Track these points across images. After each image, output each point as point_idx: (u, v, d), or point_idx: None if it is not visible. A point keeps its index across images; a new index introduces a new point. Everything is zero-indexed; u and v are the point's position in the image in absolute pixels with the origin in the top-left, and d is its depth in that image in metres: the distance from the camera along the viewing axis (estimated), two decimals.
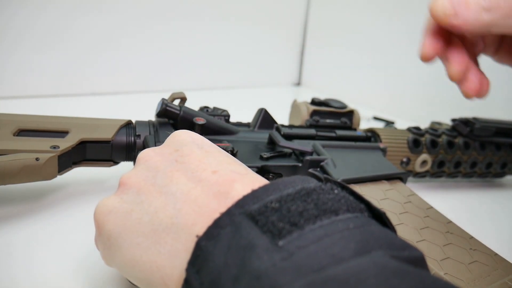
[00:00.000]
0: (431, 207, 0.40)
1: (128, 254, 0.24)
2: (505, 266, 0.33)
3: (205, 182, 0.24)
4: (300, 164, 0.43)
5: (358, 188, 0.40)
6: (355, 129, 0.53)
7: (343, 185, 0.23)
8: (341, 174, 0.41)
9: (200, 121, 0.41)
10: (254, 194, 0.21)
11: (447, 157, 0.54)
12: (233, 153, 0.41)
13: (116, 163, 0.43)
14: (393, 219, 0.36)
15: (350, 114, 0.53)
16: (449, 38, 0.33)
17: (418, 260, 0.19)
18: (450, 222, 0.38)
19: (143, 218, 0.24)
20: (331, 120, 0.52)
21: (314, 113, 0.51)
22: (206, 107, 0.47)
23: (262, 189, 0.22)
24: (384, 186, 0.42)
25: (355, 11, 0.59)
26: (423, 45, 0.33)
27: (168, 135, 0.32)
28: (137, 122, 0.43)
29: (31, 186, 0.43)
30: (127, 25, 0.79)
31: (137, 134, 0.42)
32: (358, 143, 0.49)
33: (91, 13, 0.75)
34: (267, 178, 0.42)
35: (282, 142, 0.43)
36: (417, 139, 0.53)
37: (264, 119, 0.48)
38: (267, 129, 0.48)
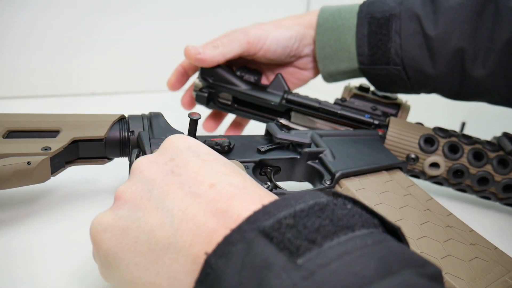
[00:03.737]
0: (431, 198, 0.40)
1: (127, 275, 0.24)
2: (506, 261, 0.33)
3: (203, 198, 0.23)
4: (298, 156, 0.42)
5: (358, 181, 0.40)
6: (364, 112, 0.52)
7: (355, 200, 0.22)
8: (340, 166, 0.41)
9: (195, 116, 0.40)
10: (265, 210, 0.21)
11: (469, 169, 0.47)
12: (229, 148, 0.40)
13: (110, 159, 0.42)
14: (394, 214, 0.36)
15: (393, 105, 0.53)
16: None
17: (438, 276, 0.19)
18: (451, 214, 0.38)
19: (140, 236, 0.23)
20: (360, 103, 0.53)
21: (354, 96, 0.54)
22: (244, 67, 0.54)
23: (273, 204, 0.21)
24: (384, 177, 0.41)
25: None
26: (171, 79, 0.56)
27: (163, 140, 0.31)
28: (130, 116, 0.42)
29: (25, 189, 0.42)
30: (126, 24, 0.78)
31: (130, 130, 0.41)
32: (356, 131, 0.48)
33: (91, 13, 0.74)
34: (266, 172, 0.42)
35: (279, 134, 0.42)
36: (430, 138, 0.48)
37: (276, 81, 0.53)
38: (278, 91, 0.53)
